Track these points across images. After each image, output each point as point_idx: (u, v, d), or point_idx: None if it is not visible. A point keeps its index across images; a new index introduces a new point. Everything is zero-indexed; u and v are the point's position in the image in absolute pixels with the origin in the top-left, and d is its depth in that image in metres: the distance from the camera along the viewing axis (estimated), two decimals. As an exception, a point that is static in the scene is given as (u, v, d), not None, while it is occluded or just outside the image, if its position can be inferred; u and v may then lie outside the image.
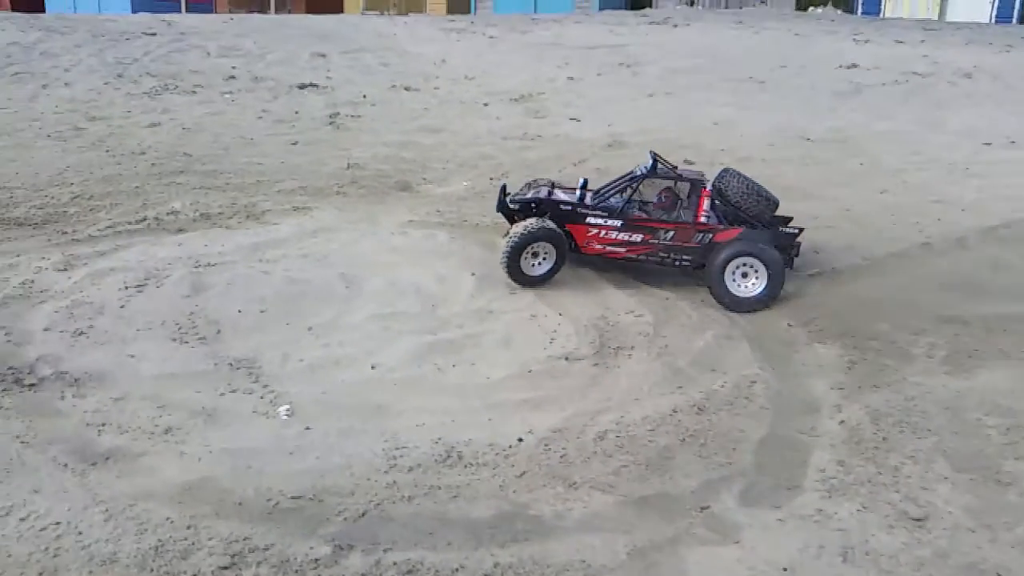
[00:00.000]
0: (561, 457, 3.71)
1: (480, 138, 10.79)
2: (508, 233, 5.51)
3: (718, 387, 4.44)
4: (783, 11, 27.56)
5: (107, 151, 8.70)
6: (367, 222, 6.66)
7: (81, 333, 4.54)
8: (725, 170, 5.91)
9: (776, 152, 10.11)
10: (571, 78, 15.37)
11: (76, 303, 4.88)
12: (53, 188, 7.19)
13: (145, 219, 6.42)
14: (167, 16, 20.15)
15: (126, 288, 5.10)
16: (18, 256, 5.65)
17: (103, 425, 3.76)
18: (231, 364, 4.36)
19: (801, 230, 5.78)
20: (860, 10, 31.24)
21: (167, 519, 3.17)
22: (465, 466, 3.64)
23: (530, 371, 4.49)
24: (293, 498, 3.33)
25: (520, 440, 3.85)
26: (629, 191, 5.69)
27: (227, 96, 12.80)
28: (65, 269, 5.42)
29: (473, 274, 5.61)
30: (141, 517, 3.16)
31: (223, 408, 3.97)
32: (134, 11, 26.27)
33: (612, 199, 5.73)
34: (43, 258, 5.61)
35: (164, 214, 6.52)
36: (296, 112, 11.82)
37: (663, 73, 15.91)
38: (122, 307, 4.90)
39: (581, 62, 16.91)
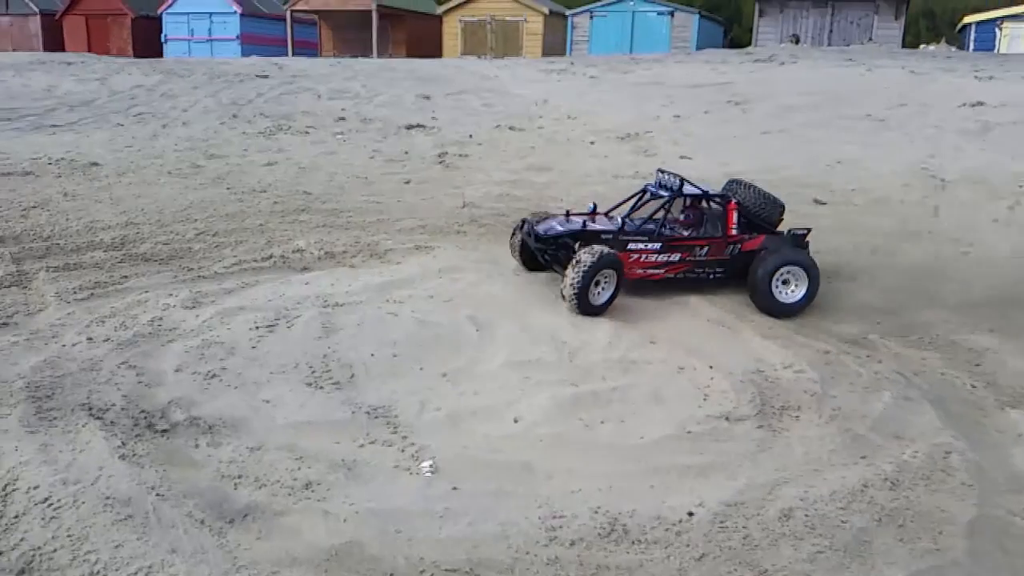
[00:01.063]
0: (744, 538, 3.23)
1: (590, 176, 10.52)
2: (573, 261, 5.28)
3: (908, 458, 3.87)
4: (892, 49, 26.49)
5: (228, 188, 8.81)
6: (489, 262, 6.39)
7: (213, 375, 4.37)
8: (732, 180, 6.25)
9: (913, 193, 9.40)
10: (677, 116, 14.99)
11: (206, 343, 4.74)
12: (178, 224, 7.25)
13: (271, 257, 6.33)
14: (278, 60, 20.90)
15: (256, 328, 4.95)
16: (146, 292, 5.61)
17: (239, 478, 3.52)
18: (368, 412, 4.08)
19: (809, 230, 6.06)
20: (972, 47, 29.75)
21: (312, 590, 2.87)
22: (632, 543, 3.21)
23: (688, 432, 4.03)
24: (448, 571, 2.98)
25: (691, 514, 3.40)
26: (663, 212, 5.78)
27: (339, 136, 12.98)
28: (193, 307, 5.32)
29: (609, 319, 5.23)
30: (288, 585, 2.86)
31: (363, 461, 3.68)
32: (243, 45, 27.59)
33: (626, 220, 5.80)
34: (170, 295, 5.54)
35: (289, 252, 6.42)
36: (406, 152, 11.85)
37: (775, 111, 15.33)
38: (253, 348, 4.72)
39: (686, 100, 16.54)
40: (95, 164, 9.99)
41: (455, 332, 5.03)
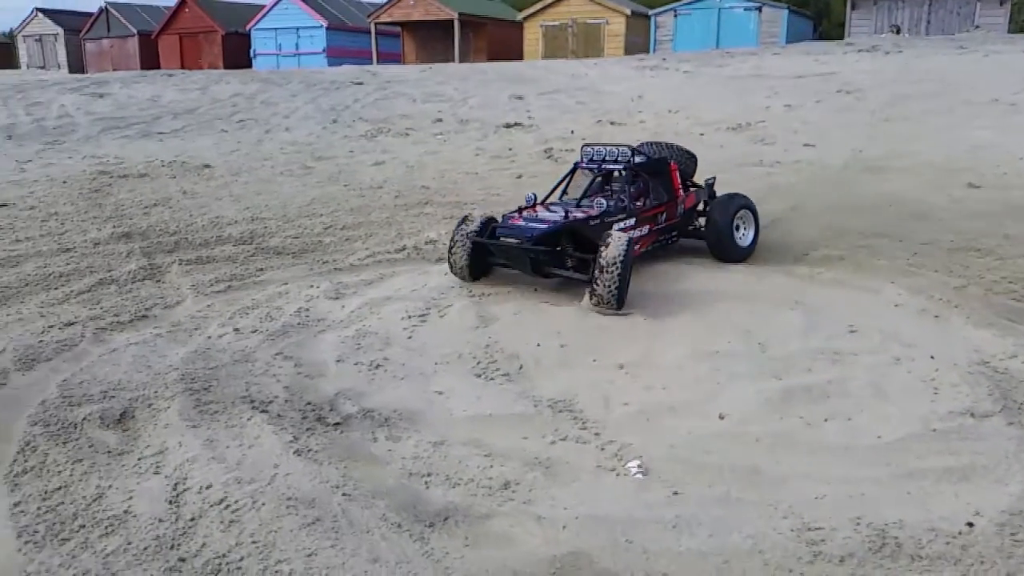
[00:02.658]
0: (1054, 554, 2.62)
1: (713, 165, 9.91)
2: (606, 257, 4.54)
3: None
4: (1000, 36, 24.88)
5: (345, 185, 8.59)
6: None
7: (377, 366, 4.00)
8: (644, 143, 6.10)
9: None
10: (788, 106, 14.29)
11: (361, 333, 4.39)
12: (304, 219, 7.01)
13: (404, 248, 6.00)
14: (371, 67, 20.98)
15: (408, 318, 4.57)
16: (285, 284, 5.33)
17: (428, 476, 3.11)
18: (551, 406, 3.62)
19: (715, 178, 6.14)
20: (1087, 30, 27.74)
21: (539, 608, 2.41)
22: (912, 559, 2.63)
23: (934, 430, 3.42)
24: (700, 591, 2.47)
25: (970, 525, 2.80)
26: (629, 186, 5.44)
27: (439, 137, 12.74)
28: (337, 298, 5.00)
29: (797, 303, 4.65)
30: (512, 603, 2.41)
31: (558, 459, 3.22)
32: (329, 58, 27.93)
33: (606, 201, 5.22)
34: (311, 286, 5.25)
35: (422, 243, 6.08)
36: (510, 149, 11.50)
37: (891, 99, 14.43)
38: (409, 338, 4.35)
39: (792, 91, 15.79)
40: (207, 166, 9.96)
41: (622, 321, 4.54)
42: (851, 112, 13.45)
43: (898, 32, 26.49)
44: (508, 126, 13.45)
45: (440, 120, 14.18)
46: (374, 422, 3.49)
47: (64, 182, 9.05)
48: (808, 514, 2.86)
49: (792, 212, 7.22)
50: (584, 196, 5.34)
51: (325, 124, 13.87)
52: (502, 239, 4.84)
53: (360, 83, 17.19)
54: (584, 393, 3.76)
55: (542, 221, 4.89)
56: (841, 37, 29.09)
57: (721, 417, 3.55)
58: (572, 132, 12.82)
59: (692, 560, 2.61)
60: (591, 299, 4.62)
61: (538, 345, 4.24)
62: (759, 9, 29.29)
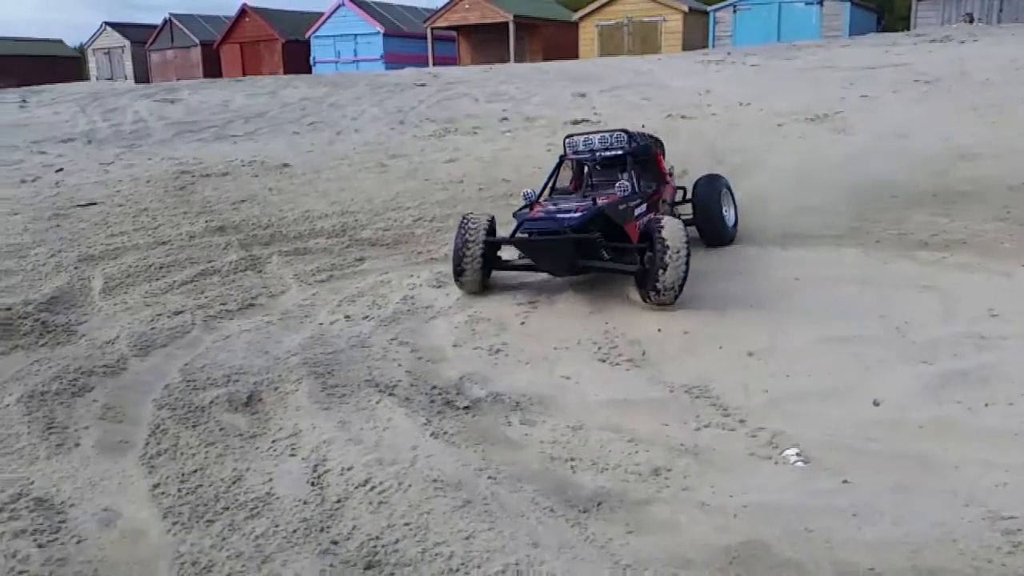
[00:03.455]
0: None
1: (798, 154, 9.61)
2: (668, 247, 4.20)
3: None
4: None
5: (426, 180, 8.54)
6: (747, 241, 5.68)
7: (497, 351, 3.88)
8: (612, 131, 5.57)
9: None
10: (865, 96, 13.82)
11: (473, 319, 4.28)
12: (392, 212, 6.96)
13: (499, 237, 5.88)
14: (432, 69, 21.08)
15: (518, 304, 4.45)
16: (386, 273, 5.27)
17: (572, 460, 2.96)
18: (688, 392, 3.45)
19: (672, 166, 5.94)
20: None
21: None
22: (1126, 553, 2.38)
23: (1113, 416, 3.14)
24: (894, 582, 2.27)
25: None
26: (631, 171, 5.12)
27: (507, 134, 12.64)
28: (440, 286, 4.91)
29: (927, 287, 4.39)
30: (692, 593, 2.24)
31: (707, 446, 3.04)
32: (386, 64, 28.18)
33: (614, 186, 4.87)
34: (411, 275, 5.17)
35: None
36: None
37: (973, 87, 13.85)
38: (523, 324, 4.23)
39: (866, 82, 15.29)
40: (286, 165, 10.02)
41: (741, 305, 4.34)
42: (933, 101, 12.93)
43: (971, 21, 25.55)
44: (575, 122, 13.28)
45: (506, 119, 14.08)
46: (505, 406, 3.37)
47: (148, 181, 9.20)
48: (993, 502, 2.63)
49: (895, 200, 6.90)
50: (583, 187, 5.12)
51: (393, 125, 13.90)
52: (534, 234, 4.33)
53: (423, 84, 17.22)
54: (717, 380, 3.58)
55: (569, 211, 4.42)
56: (905, 29, 28.22)
57: (876, 404, 3.33)
58: (643, 126, 12.61)
59: (880, 549, 2.41)
60: (649, 293, 4.24)
61: (659, 331, 4.07)
62: (820, 3, 28.61)
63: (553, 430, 3.18)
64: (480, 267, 4.55)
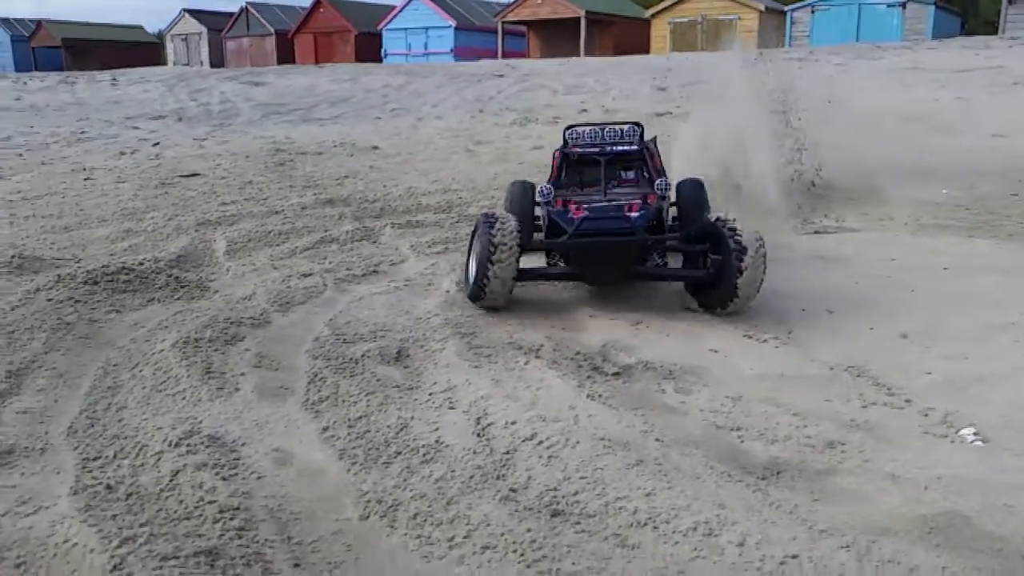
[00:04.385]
0: None
1: (901, 150, 9.32)
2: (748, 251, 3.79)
3: None
4: None
5: (520, 164, 8.54)
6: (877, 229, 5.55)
7: (638, 322, 3.83)
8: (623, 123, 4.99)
9: None
10: (960, 98, 13.40)
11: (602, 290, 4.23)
12: (494, 191, 6.98)
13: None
14: (510, 61, 21.11)
15: (649, 279, 4.38)
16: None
17: (739, 430, 2.90)
18: (847, 370, 3.35)
19: None
20: None
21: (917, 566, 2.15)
22: None
23: None
24: (1117, 563, 2.15)
25: None
26: (647, 167, 4.72)
27: (590, 124, 12.57)
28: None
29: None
30: (894, 557, 2.16)
31: (877, 423, 2.95)
32: (456, 58, 28.34)
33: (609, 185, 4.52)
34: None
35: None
36: (668, 135, 11.19)
37: (1078, 89, 13.28)
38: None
39: (959, 83, 14.83)
40: (376, 147, 10.14)
41: (884, 289, 4.22)
42: (1034, 103, 12.48)
43: (1068, 25, 24.52)
44: (659, 115, 13.15)
45: (585, 111, 14.02)
46: (657, 374, 3.32)
47: (246, 157, 9.40)
48: None
49: (1016, 198, 6.64)
50: (578, 185, 4.59)
51: (473, 113, 13.96)
52: (592, 235, 3.84)
53: (501, 76, 17.29)
54: (873, 361, 3.47)
55: (619, 208, 3.97)
56: (991, 33, 27.24)
57: (1047, 389, 3.18)
58: (729, 121, 12.42)
59: (1093, 531, 2.29)
60: (722, 301, 3.86)
61: (803, 310, 3.97)
62: (903, 5, 27.80)
63: (711, 400, 3.12)
64: (513, 279, 3.84)
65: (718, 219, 3.94)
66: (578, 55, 28.81)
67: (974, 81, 15.13)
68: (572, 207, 4.01)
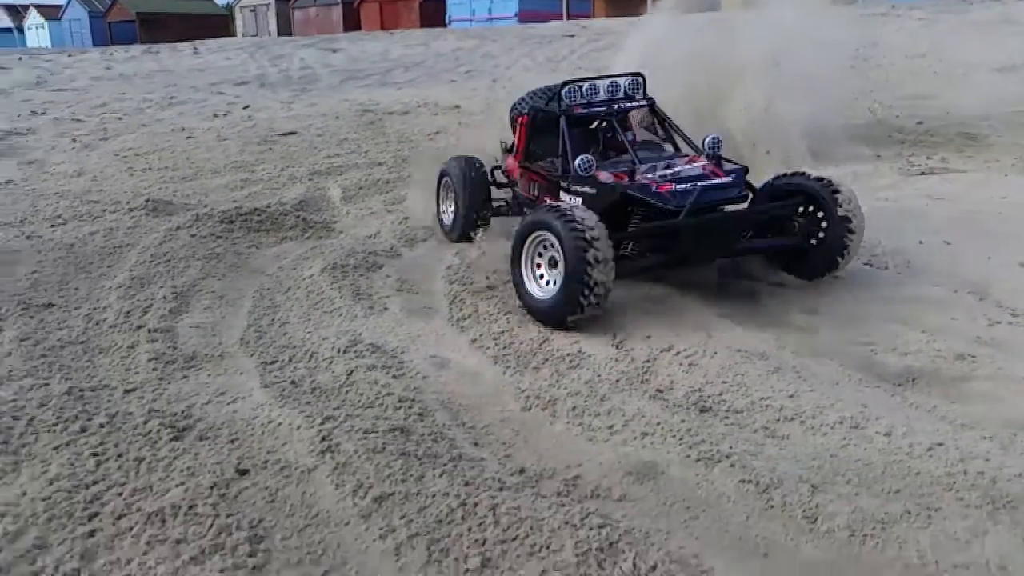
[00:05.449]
0: None
1: (1000, 102, 9.06)
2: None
3: None
4: None
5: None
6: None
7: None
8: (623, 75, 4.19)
9: None
10: (1057, 50, 12.82)
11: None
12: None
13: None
14: (581, 21, 21.00)
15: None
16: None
17: (869, 344, 3.02)
18: (970, 293, 3.43)
19: None
20: None
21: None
22: None
23: None
24: None
25: None
26: (667, 127, 4.06)
27: (668, 81, 12.48)
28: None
29: None
30: (1029, 447, 2.29)
31: (1005, 340, 3.02)
32: (520, 22, 28.21)
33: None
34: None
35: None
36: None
37: None
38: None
39: (1054, 36, 14.17)
40: (457, 106, 10.33)
41: (998, 223, 4.24)
42: None
43: None
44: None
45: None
46: (783, 296, 3.45)
47: (336, 116, 9.70)
48: None
49: None
50: (598, 149, 3.97)
51: (544, 73, 13.99)
52: (707, 209, 3.30)
53: (572, 35, 17.24)
54: (996, 285, 3.52)
55: (707, 175, 3.42)
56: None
57: None
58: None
59: None
60: (822, 270, 3.51)
61: (920, 243, 4.03)
62: (990, -44, 26.44)
63: (835, 318, 3.24)
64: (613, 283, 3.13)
65: (814, 177, 3.53)
66: (646, 10, 28.39)
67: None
68: (646, 180, 3.39)
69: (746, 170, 3.51)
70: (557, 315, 3.14)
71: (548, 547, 1.88)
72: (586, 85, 4.03)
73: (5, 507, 2.05)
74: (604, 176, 3.49)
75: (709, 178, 3.38)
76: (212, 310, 3.56)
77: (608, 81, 4.08)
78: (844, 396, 2.61)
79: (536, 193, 4.09)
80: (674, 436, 2.40)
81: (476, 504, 2.02)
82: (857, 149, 6.30)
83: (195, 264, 4.08)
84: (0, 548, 1.91)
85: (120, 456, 2.28)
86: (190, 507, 2.03)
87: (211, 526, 1.96)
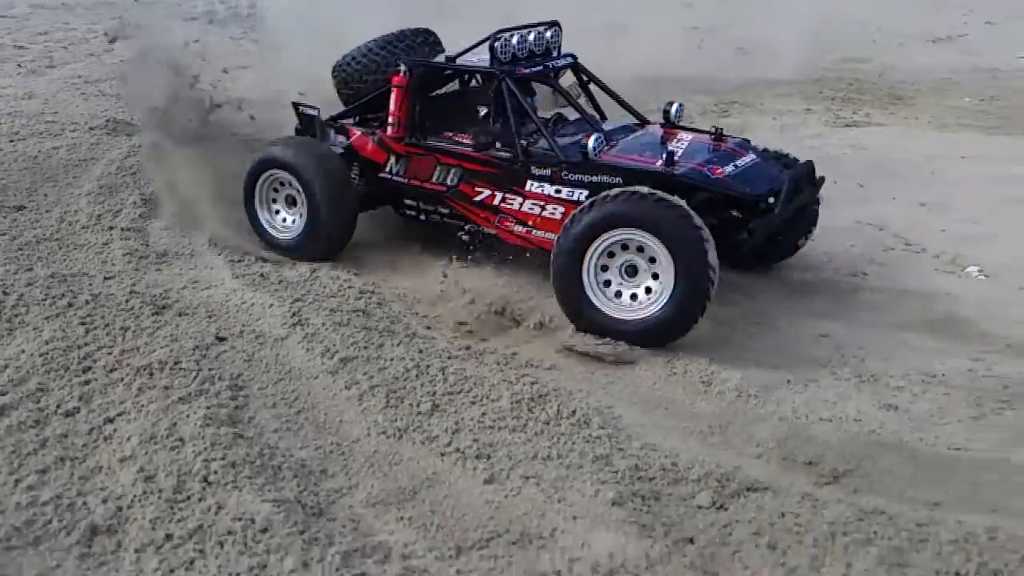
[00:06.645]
0: None
1: (941, 70, 9.56)
2: None
3: None
4: None
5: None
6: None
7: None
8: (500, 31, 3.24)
9: None
10: (988, 23, 13.45)
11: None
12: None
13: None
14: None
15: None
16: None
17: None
18: (870, 225, 3.87)
19: None
20: None
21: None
22: None
23: None
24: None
25: None
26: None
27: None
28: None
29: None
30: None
31: (897, 262, 3.47)
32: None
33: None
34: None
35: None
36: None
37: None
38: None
39: (988, 8, 14.83)
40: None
41: (907, 169, 4.72)
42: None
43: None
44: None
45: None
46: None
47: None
48: None
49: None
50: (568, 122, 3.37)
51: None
52: (788, 198, 2.90)
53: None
54: (896, 220, 3.95)
55: (735, 155, 3.04)
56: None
57: None
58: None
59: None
60: (791, 250, 3.30)
61: (835, 183, 4.43)
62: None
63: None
64: None
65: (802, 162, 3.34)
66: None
67: (1005, 4, 15.13)
68: (683, 163, 2.86)
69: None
70: (672, 332, 2.58)
71: (488, 397, 2.23)
72: (516, 37, 3.19)
73: (6, 360, 2.30)
74: (629, 160, 2.88)
75: (740, 156, 2.99)
76: (178, 215, 3.77)
77: (534, 32, 3.27)
78: (755, 302, 3.01)
79: (451, 181, 3.18)
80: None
81: (428, 367, 2.36)
82: (791, 103, 6.69)
83: (161, 176, 4.25)
84: (6, 391, 2.16)
85: (107, 325, 2.54)
86: (175, 363, 2.32)
87: (195, 377, 2.25)
